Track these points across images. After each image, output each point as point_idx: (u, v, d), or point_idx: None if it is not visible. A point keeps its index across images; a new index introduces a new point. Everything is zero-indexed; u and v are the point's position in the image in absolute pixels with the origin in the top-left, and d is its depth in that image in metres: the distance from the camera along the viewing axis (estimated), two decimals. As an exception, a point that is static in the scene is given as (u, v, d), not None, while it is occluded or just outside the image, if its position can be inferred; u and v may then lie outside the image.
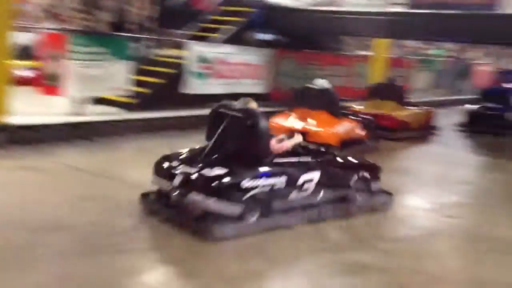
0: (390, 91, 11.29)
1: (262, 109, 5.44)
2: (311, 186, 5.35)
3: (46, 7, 14.31)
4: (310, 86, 9.16)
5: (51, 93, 8.73)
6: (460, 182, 6.99)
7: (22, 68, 10.35)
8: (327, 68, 14.23)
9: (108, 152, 7.76)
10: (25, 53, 10.68)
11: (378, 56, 15.17)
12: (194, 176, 4.84)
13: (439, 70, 19.50)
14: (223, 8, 12.76)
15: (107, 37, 10.03)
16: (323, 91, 8.94)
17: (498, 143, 11.88)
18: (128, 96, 9.57)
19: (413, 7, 10.96)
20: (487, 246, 5.17)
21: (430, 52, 22.92)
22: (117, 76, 9.21)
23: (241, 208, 4.77)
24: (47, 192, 5.69)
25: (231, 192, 4.75)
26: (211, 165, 4.89)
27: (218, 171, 4.81)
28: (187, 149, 5.39)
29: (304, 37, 13.70)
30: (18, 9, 8.26)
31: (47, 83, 8.77)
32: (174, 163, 5.11)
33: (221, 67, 11.14)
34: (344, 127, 8.74)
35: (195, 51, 10.50)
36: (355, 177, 5.79)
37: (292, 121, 8.66)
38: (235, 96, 11.23)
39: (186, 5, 12.94)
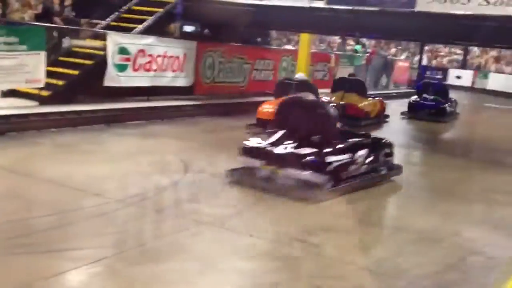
0: (352, 84, 12.96)
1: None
2: (360, 161, 6.74)
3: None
4: (292, 78, 11.08)
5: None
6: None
7: None
8: (253, 62, 14.47)
9: (24, 148, 7.48)
10: None
11: (303, 51, 15.55)
12: (288, 155, 6.16)
13: (361, 65, 20.24)
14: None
15: (19, 27, 9.69)
16: (302, 83, 10.63)
17: (431, 133, 13.39)
18: (42, 89, 9.29)
19: (331, 2, 11.26)
20: (409, 237, 5.38)
21: (353, 47, 23.77)
22: (31, 68, 8.93)
23: (325, 178, 6.05)
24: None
25: (320, 166, 6.11)
26: (296, 146, 6.26)
27: (308, 150, 6.19)
28: (265, 134, 6.82)
29: (228, 30, 13.82)
30: None
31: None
32: (262, 145, 6.43)
33: (142, 59, 11.01)
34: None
35: (114, 42, 10.33)
36: (382, 152, 7.23)
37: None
38: (158, 89, 11.39)
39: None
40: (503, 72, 26.43)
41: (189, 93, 12.29)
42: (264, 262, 4.52)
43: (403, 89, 21.62)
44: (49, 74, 9.32)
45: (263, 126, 9.60)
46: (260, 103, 10.79)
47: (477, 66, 28.07)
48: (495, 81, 25.78)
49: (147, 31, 11.53)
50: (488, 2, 9.66)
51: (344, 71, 18.44)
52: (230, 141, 9.58)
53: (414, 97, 15.29)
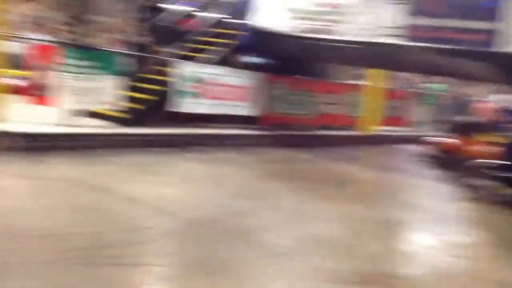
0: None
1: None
2: None
3: (31, 18, 14.76)
4: (467, 119, 13.91)
5: (40, 103, 9.17)
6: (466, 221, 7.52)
7: (12, 77, 10.76)
8: (319, 95, 14.86)
9: (103, 165, 8.16)
10: (13, 62, 11.08)
11: (372, 86, 15.79)
12: None
13: (437, 104, 20.20)
14: (212, 29, 13.25)
15: (98, 51, 10.54)
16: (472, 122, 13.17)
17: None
18: (119, 111, 10.11)
19: (410, 39, 11.12)
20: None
21: (426, 85, 23.69)
22: (107, 91, 9.77)
23: None
24: (40, 200, 5.97)
25: None
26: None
27: None
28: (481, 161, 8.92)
29: (295, 63, 14.26)
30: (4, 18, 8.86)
31: (36, 93, 9.21)
32: (483, 170, 8.66)
33: (211, 87, 11.73)
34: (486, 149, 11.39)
35: (185, 70, 11.11)
36: None
37: (455, 141, 11.93)
38: (226, 118, 11.95)
39: (175, 24, 13.44)
40: None
41: (254, 123, 12.80)
42: None
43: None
44: (127, 99, 10.24)
45: (448, 157, 11.54)
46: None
47: None
48: None
49: (216, 62, 12.30)
50: None
51: (418, 110, 18.53)
52: (298, 173, 9.98)
53: None
